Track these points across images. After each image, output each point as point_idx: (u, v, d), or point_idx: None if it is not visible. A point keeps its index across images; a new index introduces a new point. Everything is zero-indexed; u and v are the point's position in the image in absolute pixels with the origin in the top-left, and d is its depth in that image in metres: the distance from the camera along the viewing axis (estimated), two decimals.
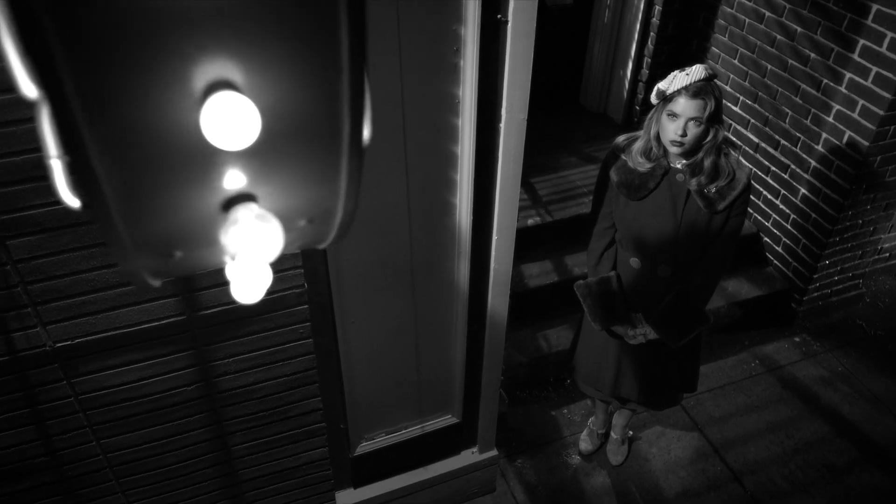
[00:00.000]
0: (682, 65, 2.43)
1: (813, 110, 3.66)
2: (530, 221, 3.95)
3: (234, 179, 0.74)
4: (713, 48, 4.17)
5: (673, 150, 2.43)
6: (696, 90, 2.33)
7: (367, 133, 0.76)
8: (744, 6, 3.90)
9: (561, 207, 4.04)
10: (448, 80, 2.03)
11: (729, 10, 4.00)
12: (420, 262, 2.37)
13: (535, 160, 4.35)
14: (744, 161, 2.53)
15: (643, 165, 2.51)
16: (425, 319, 2.54)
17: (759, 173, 4.08)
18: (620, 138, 2.62)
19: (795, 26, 3.63)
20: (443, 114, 2.09)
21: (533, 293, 3.83)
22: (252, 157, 0.72)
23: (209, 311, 1.95)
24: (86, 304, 1.83)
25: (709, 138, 2.42)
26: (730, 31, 4.03)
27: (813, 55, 3.59)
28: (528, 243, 3.94)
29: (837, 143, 3.58)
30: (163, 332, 1.95)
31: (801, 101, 3.71)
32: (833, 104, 3.55)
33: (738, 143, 4.16)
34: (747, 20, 3.90)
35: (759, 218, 4.19)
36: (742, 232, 4.33)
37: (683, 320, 2.67)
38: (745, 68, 3.99)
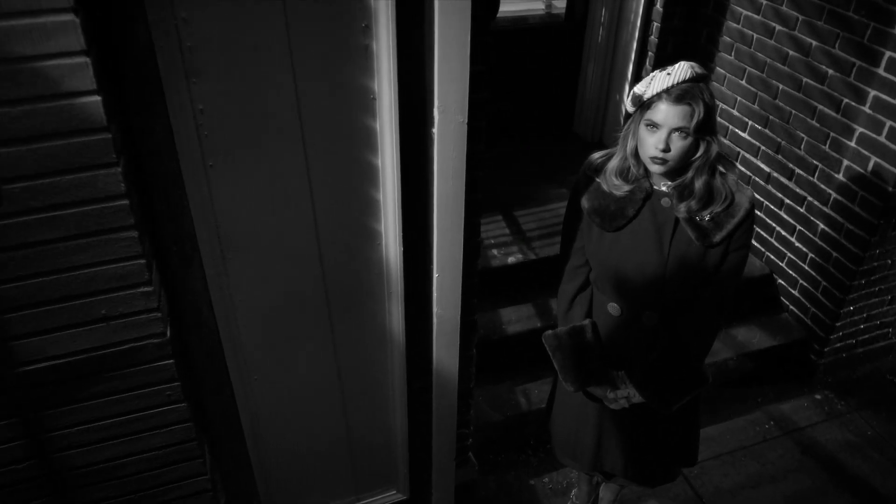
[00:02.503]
0: None
1: (832, 134, 3.15)
2: (511, 259, 3.45)
3: None
4: (718, 68, 3.70)
5: (654, 168, 1.93)
6: (681, 93, 1.85)
7: None
8: (751, 20, 3.43)
9: (547, 244, 3.54)
10: (358, 68, 1.55)
11: (734, 25, 3.53)
12: (339, 304, 1.87)
13: (520, 191, 3.87)
14: (742, 183, 2.00)
15: (620, 188, 2.02)
16: (353, 375, 2.03)
17: (772, 207, 3.56)
18: (595, 155, 2.13)
19: (810, 40, 3.15)
20: (355, 113, 1.61)
21: (511, 341, 3.30)
22: None
23: (33, 367, 1.46)
24: None
25: (699, 153, 1.93)
26: (736, 48, 3.55)
27: (831, 72, 3.09)
28: (507, 284, 3.44)
29: (861, 170, 3.06)
30: None
31: (818, 125, 3.21)
32: (855, 127, 3.04)
33: (746, 170, 3.65)
34: (755, 35, 3.43)
35: (773, 257, 3.65)
36: (752, 272, 3.83)
37: (675, 380, 2.13)
38: (753, 89, 3.50)
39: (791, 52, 3.25)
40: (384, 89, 1.58)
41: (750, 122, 3.57)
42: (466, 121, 1.67)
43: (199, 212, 1.58)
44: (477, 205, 2.19)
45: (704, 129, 1.88)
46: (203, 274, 1.67)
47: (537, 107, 4.22)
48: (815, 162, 3.26)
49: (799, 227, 3.44)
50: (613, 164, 2.03)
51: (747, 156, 3.63)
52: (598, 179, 2.07)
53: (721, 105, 3.71)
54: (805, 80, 3.21)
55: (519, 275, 3.45)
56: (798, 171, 3.36)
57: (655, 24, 3.73)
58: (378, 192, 1.72)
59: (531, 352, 3.34)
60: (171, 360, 1.57)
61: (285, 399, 1.98)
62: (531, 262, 3.45)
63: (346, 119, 1.60)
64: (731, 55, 3.59)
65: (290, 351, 1.90)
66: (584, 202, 2.08)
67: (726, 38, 3.60)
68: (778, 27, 3.28)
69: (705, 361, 2.23)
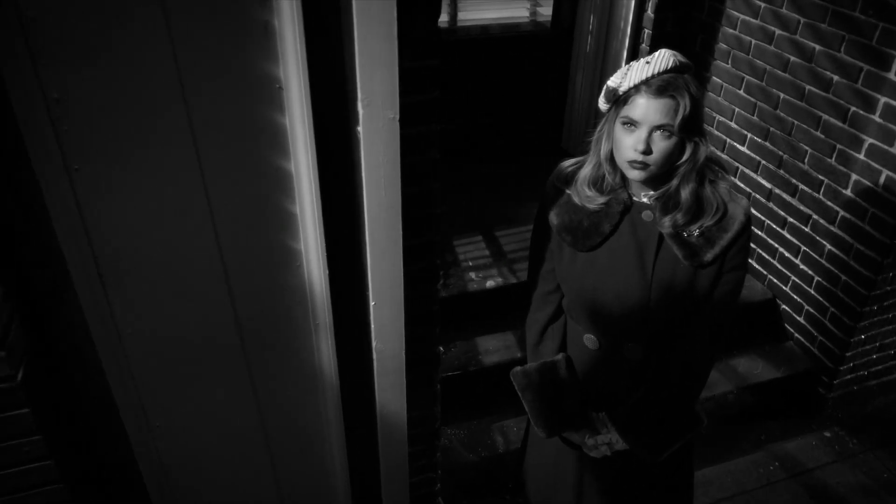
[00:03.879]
0: None
1: (839, 146, 2.83)
2: (490, 283, 3.13)
3: None
4: (714, 77, 3.39)
5: (633, 174, 1.61)
6: (663, 85, 1.54)
7: None
8: (748, 25, 3.13)
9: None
10: (258, 49, 1.25)
11: (731, 30, 3.23)
12: (255, 338, 1.55)
13: (503, 210, 3.55)
14: (736, 192, 1.66)
15: (593, 201, 1.70)
16: (278, 421, 1.70)
17: (774, 226, 3.23)
18: (564, 164, 1.81)
19: (813, 44, 2.84)
20: (258, 106, 1.30)
21: (489, 372, 2.96)
22: None
23: None
24: None
25: (685, 157, 1.61)
26: (733, 55, 3.25)
27: (836, 78, 2.78)
28: (485, 310, 3.11)
29: (871, 185, 2.73)
30: None
31: (822, 136, 2.89)
32: (864, 137, 2.72)
33: (745, 186, 3.32)
34: (753, 41, 3.12)
35: (775, 280, 3.31)
36: (753, 297, 3.42)
37: (664, 424, 1.80)
38: (752, 99, 3.19)
39: (792, 58, 2.94)
40: (292, 77, 1.27)
41: (749, 135, 3.25)
42: (398, 117, 1.36)
43: (65, 227, 1.27)
44: (434, 221, 1.89)
45: (691, 128, 1.57)
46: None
47: (522, 121, 3.92)
48: (820, 177, 2.94)
49: (804, 247, 3.10)
50: (585, 172, 1.72)
51: (747, 171, 3.31)
52: (568, 191, 1.75)
53: (718, 117, 3.40)
54: (808, 87, 2.90)
55: (499, 300, 3.13)
56: (802, 186, 3.04)
57: (647, 31, 3.43)
58: (293, 203, 1.40)
59: (511, 384, 3.01)
60: (27, 409, 1.25)
61: (198, 451, 1.65)
62: (512, 286, 3.12)
63: (247, 113, 1.29)
64: (727, 63, 3.28)
65: (198, 394, 1.57)
66: (553, 218, 1.76)
67: (722, 45, 3.29)
68: (778, 31, 2.98)
69: (700, 398, 1.89)
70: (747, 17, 3.12)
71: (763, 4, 3.03)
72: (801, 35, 2.88)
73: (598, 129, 1.70)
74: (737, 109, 3.28)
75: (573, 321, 1.85)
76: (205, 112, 1.26)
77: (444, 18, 3.43)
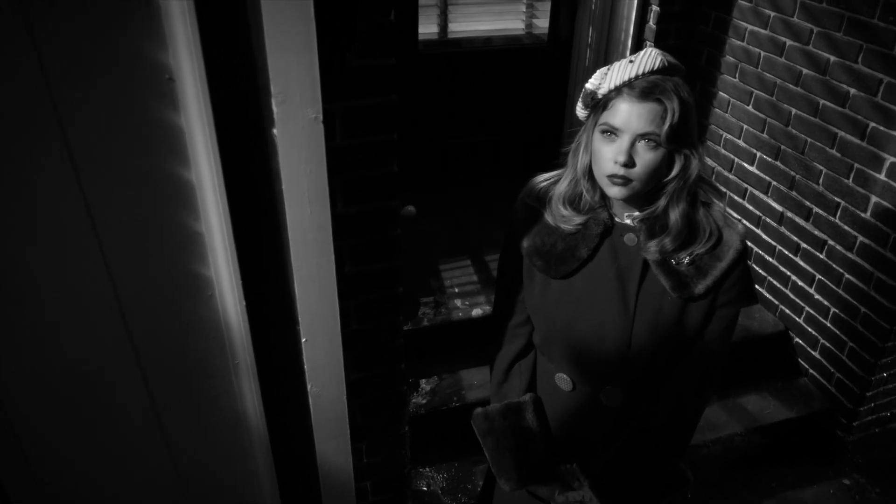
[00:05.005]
0: None
1: (856, 165, 2.56)
2: (477, 311, 2.87)
3: None
4: (720, 93, 3.13)
5: (613, 191, 1.36)
6: (648, 87, 1.29)
7: None
8: (757, 36, 2.88)
9: None
10: (137, 29, 1.02)
11: (738, 42, 2.98)
12: (163, 384, 1.30)
13: (495, 234, 3.30)
14: (731, 216, 1.39)
15: (569, 221, 1.45)
16: (198, 477, 1.45)
17: (786, 252, 2.95)
18: (538, 179, 1.56)
19: (827, 55, 2.58)
20: (145, 101, 1.07)
21: (475, 409, 2.70)
22: None
23: None
24: None
25: (674, 172, 1.36)
26: (741, 69, 2.99)
27: (853, 91, 2.52)
28: (471, 340, 2.86)
29: (893, 208, 2.45)
30: None
31: (839, 154, 2.62)
32: (885, 155, 2.45)
33: (755, 209, 3.05)
34: (762, 53, 2.87)
35: (788, 311, 3.03)
36: (764, 329, 2.98)
37: (645, 480, 1.52)
38: (762, 115, 2.93)
39: (805, 71, 2.68)
40: (184, 66, 1.04)
41: (759, 154, 2.98)
42: (321, 117, 1.12)
43: None
44: (393, 245, 1.66)
45: (681, 138, 1.32)
46: None
47: (517, 138, 3.68)
48: (836, 199, 2.66)
49: (818, 276, 2.82)
50: (561, 188, 1.47)
51: (756, 193, 3.04)
52: (541, 210, 1.50)
53: (725, 135, 3.14)
54: (822, 102, 2.64)
55: (486, 329, 2.87)
56: (816, 209, 2.76)
57: (649, 43, 3.19)
58: (197, 220, 1.16)
59: None
60: None
61: None
62: None
63: (130, 108, 1.06)
64: (735, 77, 3.03)
65: (98, 448, 1.33)
66: (524, 240, 1.51)
67: (729, 58, 3.04)
68: (789, 42, 2.73)
69: (689, 448, 1.61)
70: (756, 28, 2.87)
71: (772, 13, 2.78)
72: (815, 45, 2.62)
73: (576, 139, 1.45)
74: (745, 126, 3.02)
75: (544, 358, 1.59)
76: (73, 104, 1.03)
77: (433, 30, 3.22)
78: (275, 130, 1.10)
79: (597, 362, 1.48)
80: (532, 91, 3.57)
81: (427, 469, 2.67)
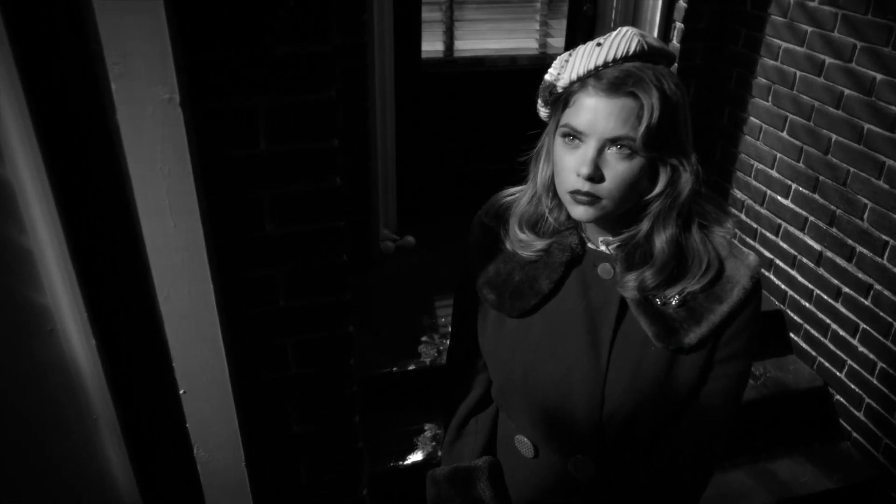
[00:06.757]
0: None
1: None
2: None
3: None
4: (752, 118, 2.80)
5: (577, 211, 1.05)
6: (619, 78, 0.98)
7: None
8: (792, 55, 2.55)
9: None
10: None
11: (771, 62, 2.65)
12: (4, 439, 1.04)
13: None
14: (740, 245, 1.05)
15: (528, 246, 1.14)
16: None
17: (825, 297, 2.57)
18: (503, 193, 1.27)
19: (873, 73, 2.24)
20: None
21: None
22: None
23: None
24: None
25: (658, 188, 1.05)
26: (774, 91, 2.66)
27: None
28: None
29: None
30: None
31: (886, 186, 2.26)
32: None
33: (790, 248, 2.68)
34: (798, 73, 2.54)
35: (827, 364, 2.63)
36: (799, 383, 2.54)
37: None
38: (798, 143, 2.59)
39: (847, 91, 2.34)
40: None
41: (794, 186, 2.64)
42: (177, 98, 0.86)
43: None
44: (337, 273, 1.40)
45: (665, 144, 1.01)
46: None
47: (528, 165, 3.38)
48: (883, 236, 2.29)
49: (863, 324, 2.44)
50: (520, 206, 1.18)
51: (791, 229, 2.68)
52: (500, 232, 1.21)
53: (757, 164, 2.79)
54: (867, 126, 2.29)
55: (441, 375, 2.55)
56: (860, 249, 2.39)
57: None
58: (22, 232, 0.90)
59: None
60: None
61: None
62: None
63: None
64: (767, 100, 2.70)
65: None
66: (477, 269, 1.22)
67: (761, 80, 2.72)
68: (829, 60, 2.40)
69: None
70: (791, 45, 2.55)
71: (810, 29, 2.46)
72: (858, 62, 2.29)
73: (538, 145, 1.16)
74: (779, 155, 2.68)
75: (503, 413, 1.29)
76: None
77: (438, 48, 2.97)
78: (117, 117, 0.84)
79: (562, 424, 1.16)
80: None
81: None
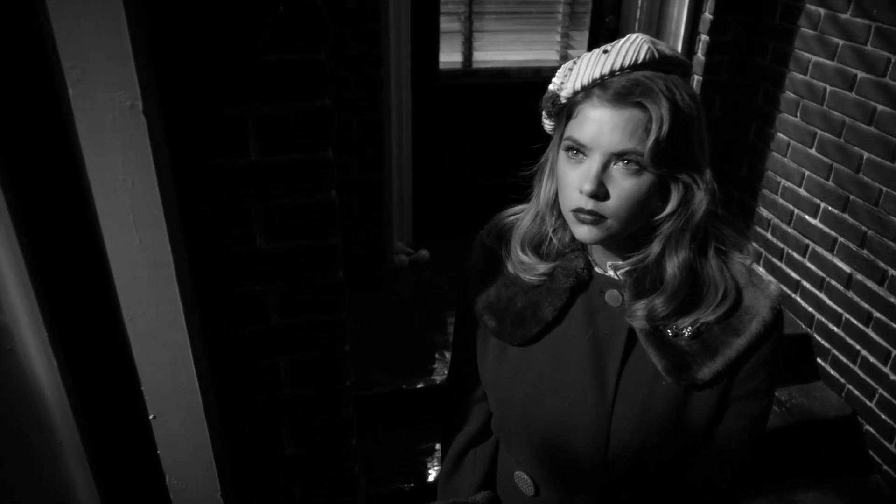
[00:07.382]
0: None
1: None
2: None
3: None
4: (779, 134, 2.69)
5: (581, 231, 0.96)
6: (626, 88, 0.90)
7: None
8: (823, 69, 2.44)
9: None
10: None
11: (800, 76, 2.54)
12: None
13: None
14: (761, 272, 0.95)
15: (530, 270, 1.06)
16: None
17: (855, 322, 2.45)
18: (507, 212, 1.19)
19: None
20: None
21: None
22: None
23: None
24: None
25: (670, 208, 0.96)
26: (803, 106, 2.55)
27: None
28: None
29: None
30: None
31: None
32: None
33: (819, 270, 2.56)
34: (829, 88, 2.43)
35: (857, 392, 2.50)
36: (827, 412, 2.43)
37: None
38: (827, 160, 2.47)
39: (880, 107, 2.23)
40: None
41: (823, 205, 2.52)
42: (140, 105, 0.79)
43: None
44: (333, 290, 1.34)
45: (676, 160, 0.92)
46: None
47: None
48: None
49: (895, 351, 2.31)
50: (523, 227, 1.09)
51: (819, 250, 2.56)
52: (502, 254, 1.13)
53: (784, 182, 2.68)
54: None
55: (440, 402, 2.47)
56: (893, 272, 2.27)
57: (697, 77, 2.79)
58: None
59: None
60: None
61: None
62: None
63: None
64: (796, 116, 2.59)
65: None
66: (478, 292, 1.13)
67: (790, 94, 2.61)
68: (861, 74, 2.28)
69: None
70: (821, 59, 2.44)
71: (841, 42, 2.35)
72: (893, 77, 2.17)
73: (542, 159, 1.08)
74: (807, 173, 2.57)
75: (504, 446, 1.20)
76: None
77: (457, 59, 2.90)
78: (76, 125, 0.78)
79: (564, 461, 1.07)
80: None
81: None
